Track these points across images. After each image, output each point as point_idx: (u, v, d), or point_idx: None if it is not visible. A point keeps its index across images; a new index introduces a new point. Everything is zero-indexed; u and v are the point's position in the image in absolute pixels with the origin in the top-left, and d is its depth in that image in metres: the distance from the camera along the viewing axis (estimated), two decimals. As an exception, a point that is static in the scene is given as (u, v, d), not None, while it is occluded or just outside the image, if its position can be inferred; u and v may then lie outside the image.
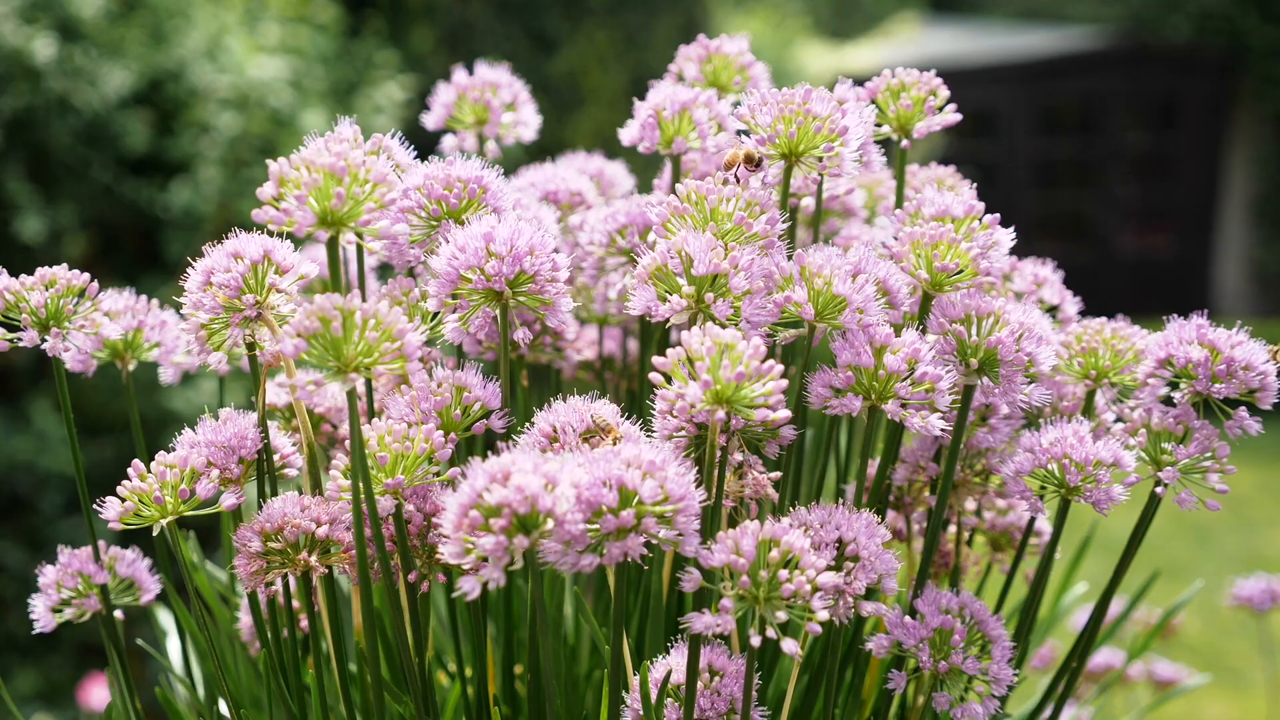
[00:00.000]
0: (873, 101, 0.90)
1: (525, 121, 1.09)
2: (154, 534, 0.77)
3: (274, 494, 0.82)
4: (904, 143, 0.90)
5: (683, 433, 0.74)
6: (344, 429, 0.94)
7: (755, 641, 0.63)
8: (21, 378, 2.84)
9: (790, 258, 0.79)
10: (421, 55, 4.61)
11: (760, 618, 0.64)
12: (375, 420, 0.74)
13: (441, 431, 0.73)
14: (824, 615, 0.63)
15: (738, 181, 0.82)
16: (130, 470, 0.76)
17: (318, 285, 1.09)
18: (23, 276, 0.83)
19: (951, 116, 0.90)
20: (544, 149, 1.25)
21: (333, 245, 0.70)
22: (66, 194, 2.81)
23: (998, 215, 0.81)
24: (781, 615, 0.63)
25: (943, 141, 7.20)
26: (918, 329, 0.79)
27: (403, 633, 0.76)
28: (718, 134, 0.93)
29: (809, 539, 0.66)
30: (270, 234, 0.74)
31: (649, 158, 0.95)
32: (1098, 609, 0.88)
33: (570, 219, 1.01)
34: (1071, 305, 0.99)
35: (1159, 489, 0.82)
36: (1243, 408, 0.84)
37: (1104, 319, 0.91)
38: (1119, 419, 0.90)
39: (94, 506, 0.79)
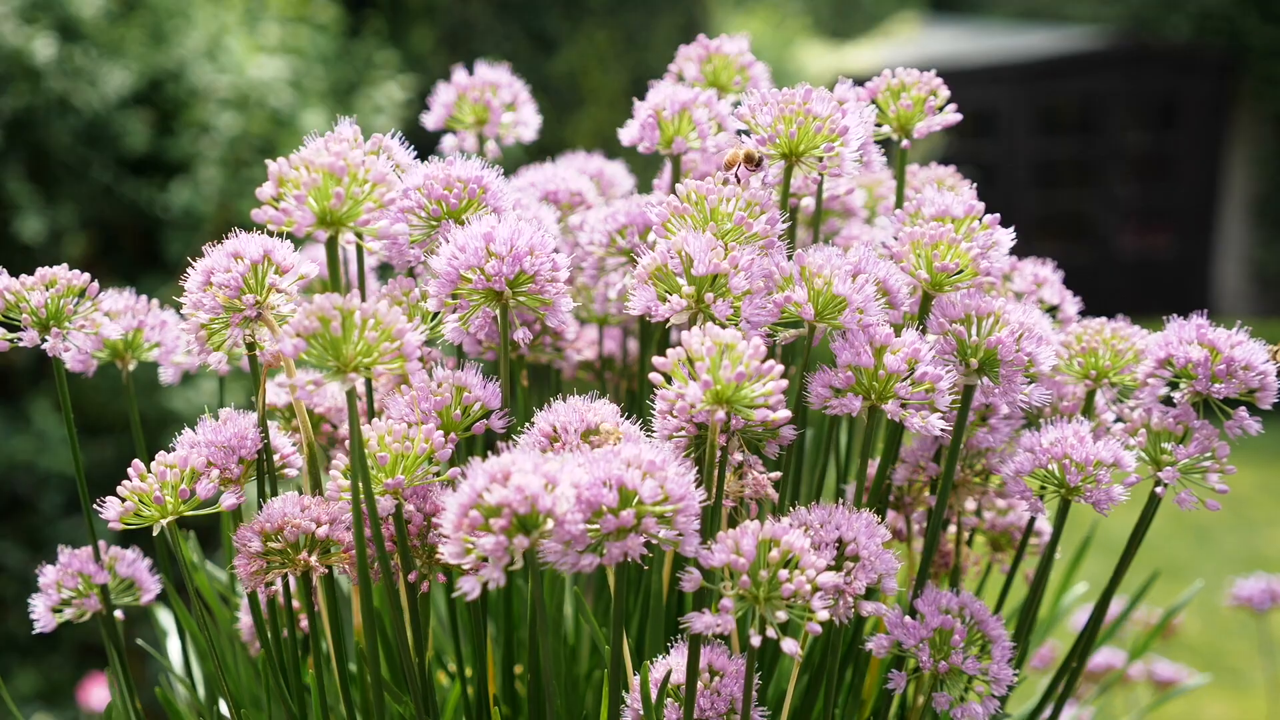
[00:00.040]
0: (873, 101, 0.90)
1: (525, 121, 1.09)
2: (154, 534, 0.77)
3: (274, 494, 0.82)
4: (904, 143, 0.90)
5: (683, 433, 0.74)
6: (344, 429, 0.94)
7: (755, 641, 0.63)
8: (21, 378, 2.84)
9: (790, 258, 0.79)
10: (421, 55, 4.61)
11: (760, 618, 0.64)
12: (375, 420, 0.74)
13: (441, 431, 0.73)
14: (824, 615, 0.63)
15: (738, 181, 0.82)
16: (130, 470, 0.76)
17: (318, 285, 1.09)
18: (23, 276, 0.83)
19: (952, 116, 0.90)
20: (544, 149, 1.25)
21: (332, 245, 0.70)
22: (66, 194, 2.81)
23: (998, 215, 0.81)
24: (781, 615, 0.63)
25: (943, 141, 7.20)
26: (918, 329, 0.79)
27: (403, 633, 0.76)
28: (718, 134, 0.93)
29: (809, 539, 0.66)
30: (270, 234, 0.74)
31: (649, 158, 0.95)
32: (1098, 609, 0.88)
33: (570, 219, 1.01)
34: (1071, 305, 0.99)
35: (1159, 489, 0.82)
36: (1243, 408, 0.84)
37: (1104, 319, 0.91)
38: (1119, 419, 0.90)
39: (94, 506, 0.79)
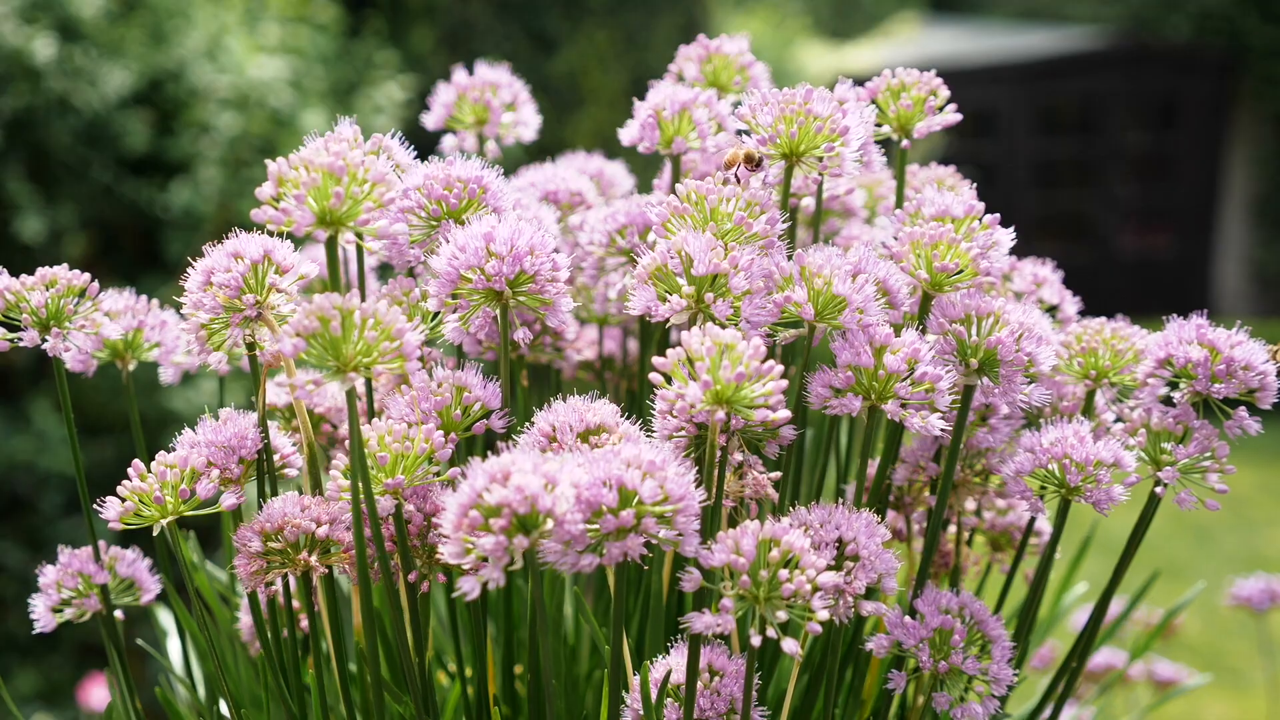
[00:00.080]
0: (873, 101, 0.90)
1: (525, 121, 1.09)
2: (154, 534, 0.77)
3: (274, 494, 0.82)
4: (904, 143, 0.90)
5: (683, 433, 0.74)
6: (344, 429, 0.94)
7: (755, 641, 0.63)
8: (21, 378, 2.84)
9: (790, 258, 0.79)
10: (421, 55, 4.61)
11: (760, 617, 0.64)
12: (375, 420, 0.74)
13: (441, 431, 0.73)
14: (824, 615, 0.63)
15: (738, 181, 0.82)
16: (130, 470, 0.76)
17: (318, 285, 1.09)
18: (23, 276, 0.83)
19: (952, 116, 0.90)
20: (544, 149, 1.25)
21: (331, 245, 0.70)
22: (66, 194, 2.81)
23: (998, 215, 0.81)
24: (781, 615, 0.63)
25: (943, 141, 7.20)
26: (918, 329, 0.79)
27: (403, 633, 0.76)
28: (718, 134, 0.93)
29: (809, 539, 0.66)
30: (270, 234, 0.74)
31: (649, 158, 0.95)
32: (1098, 609, 0.88)
33: (570, 219, 1.01)
34: (1071, 305, 0.99)
35: (1159, 489, 0.82)
36: (1242, 407, 0.84)
37: (1104, 319, 0.91)
38: (1119, 419, 0.90)
39: (94, 506, 0.79)
